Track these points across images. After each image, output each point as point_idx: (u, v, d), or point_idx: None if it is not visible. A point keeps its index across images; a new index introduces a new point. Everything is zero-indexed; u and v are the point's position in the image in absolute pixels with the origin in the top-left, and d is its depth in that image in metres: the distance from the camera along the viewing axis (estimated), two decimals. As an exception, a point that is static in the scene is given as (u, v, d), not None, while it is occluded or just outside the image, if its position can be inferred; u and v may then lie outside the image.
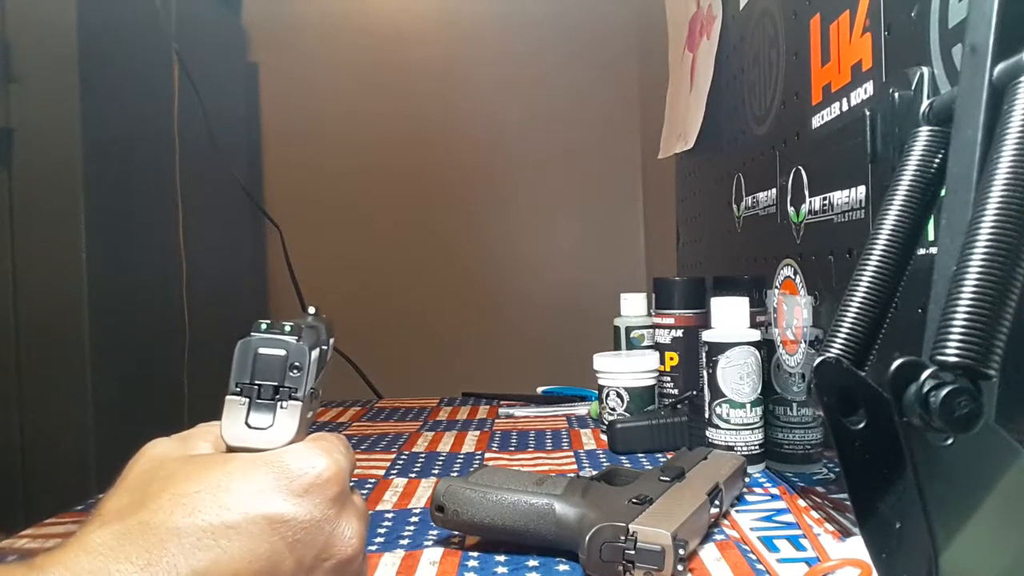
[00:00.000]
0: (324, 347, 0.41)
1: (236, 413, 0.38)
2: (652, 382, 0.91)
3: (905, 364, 0.25)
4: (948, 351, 0.25)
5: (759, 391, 0.72)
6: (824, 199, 0.65)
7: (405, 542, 0.56)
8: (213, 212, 1.50)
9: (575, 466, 0.78)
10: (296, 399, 0.39)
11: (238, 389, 0.39)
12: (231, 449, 0.39)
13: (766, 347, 0.73)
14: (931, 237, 0.43)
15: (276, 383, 0.39)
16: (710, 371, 0.72)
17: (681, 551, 0.47)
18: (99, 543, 0.33)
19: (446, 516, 0.54)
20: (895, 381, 0.25)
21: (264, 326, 0.39)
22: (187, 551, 0.33)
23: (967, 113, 0.30)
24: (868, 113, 0.42)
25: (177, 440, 0.40)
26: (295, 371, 0.39)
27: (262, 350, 0.39)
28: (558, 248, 1.84)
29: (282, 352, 0.39)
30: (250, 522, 0.35)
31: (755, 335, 0.72)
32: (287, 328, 0.39)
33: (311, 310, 0.44)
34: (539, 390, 1.20)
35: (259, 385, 0.38)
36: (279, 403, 0.39)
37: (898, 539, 0.29)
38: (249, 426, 0.38)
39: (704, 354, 0.73)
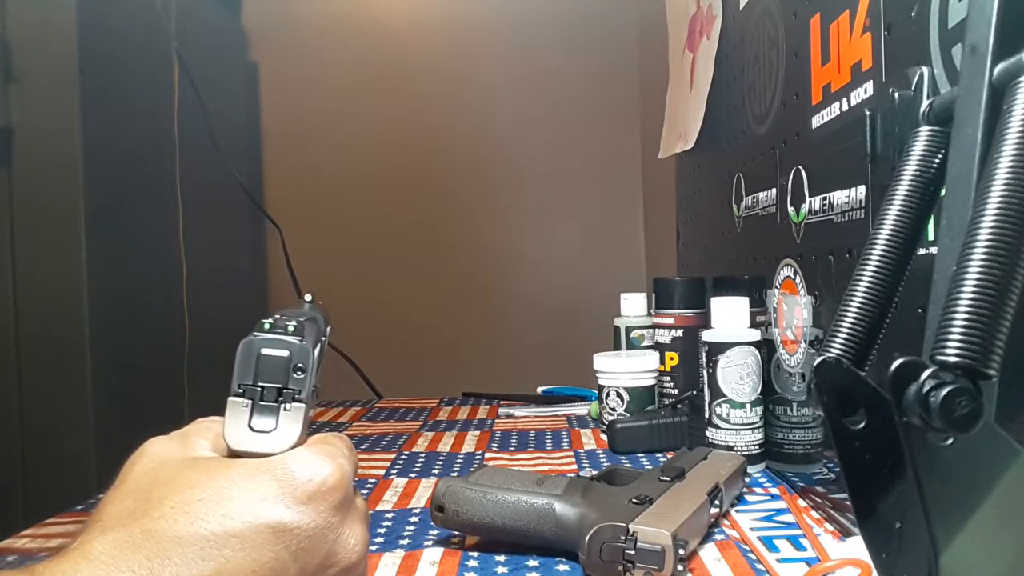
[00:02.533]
0: (323, 338, 0.41)
1: (239, 415, 0.38)
2: (652, 382, 0.91)
3: (905, 364, 0.25)
4: (948, 351, 0.25)
5: (759, 391, 0.72)
6: (824, 199, 0.65)
7: (405, 542, 0.56)
8: (213, 212, 1.50)
9: (575, 466, 0.78)
10: (300, 401, 0.38)
11: (240, 391, 0.38)
12: (233, 453, 0.38)
13: (766, 347, 0.73)
14: (931, 237, 0.43)
15: (280, 385, 0.38)
16: (710, 371, 0.72)
17: (681, 551, 0.47)
18: (100, 551, 0.32)
19: (446, 516, 0.54)
20: (895, 381, 0.25)
21: (267, 325, 0.39)
22: (190, 561, 0.33)
23: (967, 113, 0.30)
24: (868, 113, 0.42)
25: (176, 439, 0.39)
26: (299, 372, 0.38)
27: (265, 351, 0.38)
28: (558, 248, 1.84)
29: (285, 353, 0.38)
30: (253, 531, 0.34)
31: (755, 335, 0.72)
32: (290, 328, 0.39)
33: (307, 297, 0.43)
34: (539, 390, 1.20)
35: (262, 387, 0.38)
36: (282, 405, 0.38)
37: (898, 539, 0.29)
38: (252, 429, 0.38)
39: (704, 354, 0.73)
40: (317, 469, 0.37)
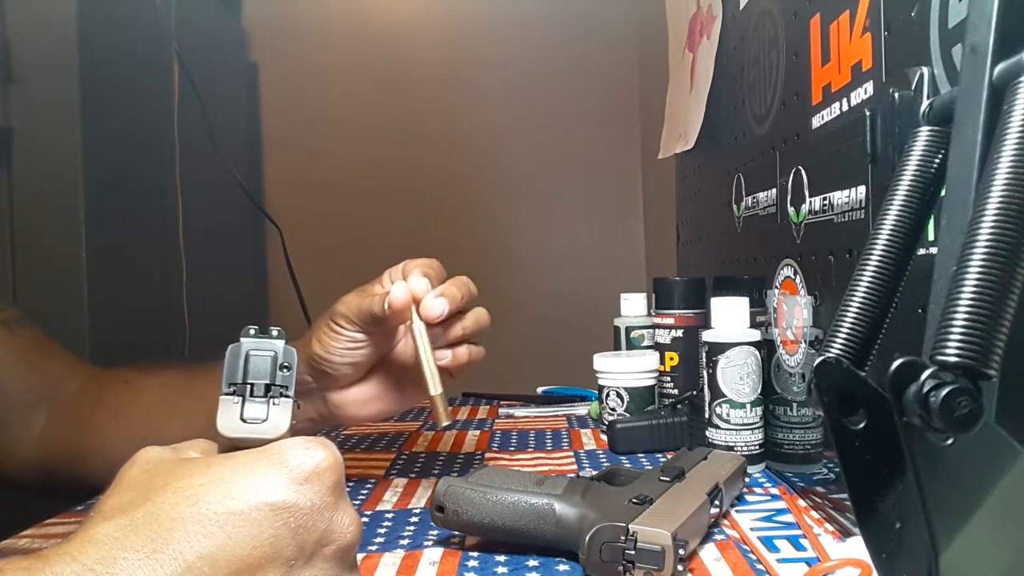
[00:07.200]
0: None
1: (231, 410, 0.40)
2: (652, 382, 0.91)
3: (905, 364, 0.25)
4: (948, 351, 0.25)
5: (759, 391, 0.72)
6: (824, 199, 0.65)
7: (405, 542, 0.56)
8: (213, 212, 1.50)
9: (575, 466, 0.78)
10: (287, 396, 0.41)
11: (231, 389, 0.40)
12: (226, 440, 0.40)
13: (766, 347, 0.73)
14: (931, 237, 0.43)
15: (267, 381, 0.41)
16: (710, 371, 0.72)
17: (681, 551, 0.47)
18: (104, 534, 0.33)
19: (446, 516, 0.54)
20: (895, 381, 0.25)
21: (253, 331, 0.42)
22: (192, 538, 0.34)
23: (967, 113, 0.30)
24: (868, 113, 0.42)
25: (169, 448, 0.41)
26: (285, 370, 0.41)
27: (252, 352, 0.41)
28: (558, 248, 1.84)
29: (271, 353, 0.41)
30: (254, 509, 0.36)
31: (755, 335, 0.72)
32: (274, 332, 0.42)
33: (275, 332, 0.45)
34: (539, 390, 1.20)
35: (251, 384, 0.40)
36: (271, 399, 0.40)
37: (898, 539, 0.29)
38: (244, 420, 0.40)
39: (704, 354, 0.73)
40: (312, 453, 0.39)
